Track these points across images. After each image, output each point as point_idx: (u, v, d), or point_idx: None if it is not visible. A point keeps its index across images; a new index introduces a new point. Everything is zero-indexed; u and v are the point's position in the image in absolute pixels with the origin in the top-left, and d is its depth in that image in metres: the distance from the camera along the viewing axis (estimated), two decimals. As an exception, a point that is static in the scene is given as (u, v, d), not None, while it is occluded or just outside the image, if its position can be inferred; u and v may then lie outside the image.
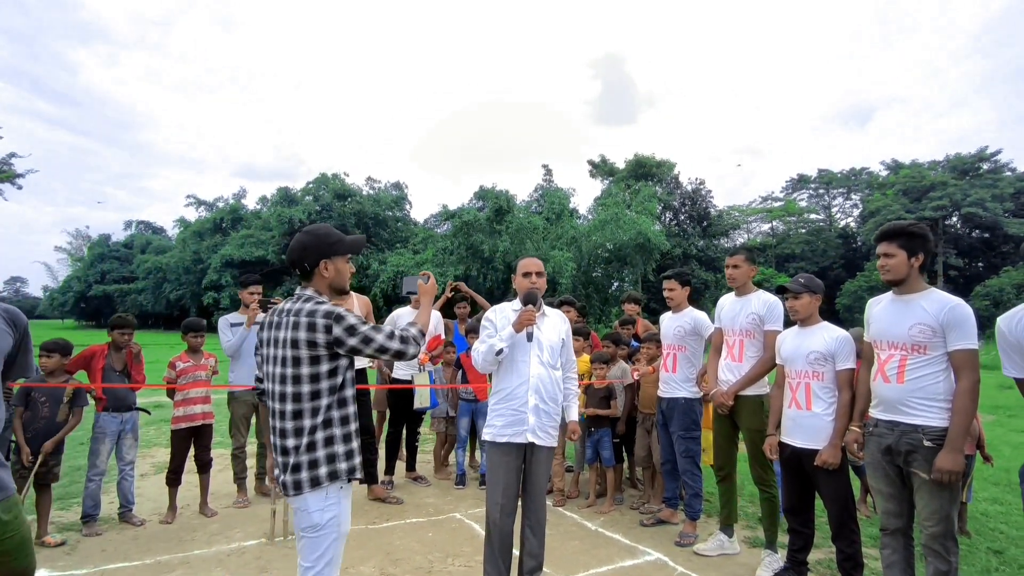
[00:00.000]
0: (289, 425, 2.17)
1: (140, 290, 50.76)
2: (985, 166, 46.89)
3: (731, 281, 3.95)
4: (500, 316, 3.25)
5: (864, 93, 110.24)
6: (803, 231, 50.11)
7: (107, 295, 54.78)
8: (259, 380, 2.34)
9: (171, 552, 3.90)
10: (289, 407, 2.17)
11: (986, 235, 41.15)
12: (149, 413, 5.07)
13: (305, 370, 2.16)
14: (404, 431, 5.59)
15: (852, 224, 52.77)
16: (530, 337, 3.08)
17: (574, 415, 3.36)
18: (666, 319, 4.48)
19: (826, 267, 46.54)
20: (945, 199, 43.42)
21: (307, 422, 2.16)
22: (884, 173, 51.69)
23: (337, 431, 2.21)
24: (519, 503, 3.17)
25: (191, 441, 4.63)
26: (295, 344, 2.15)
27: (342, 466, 2.21)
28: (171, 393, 4.64)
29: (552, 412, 3.19)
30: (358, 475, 2.27)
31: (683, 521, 4.30)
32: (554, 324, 3.30)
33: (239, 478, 4.95)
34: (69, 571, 3.60)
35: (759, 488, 3.79)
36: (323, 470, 2.17)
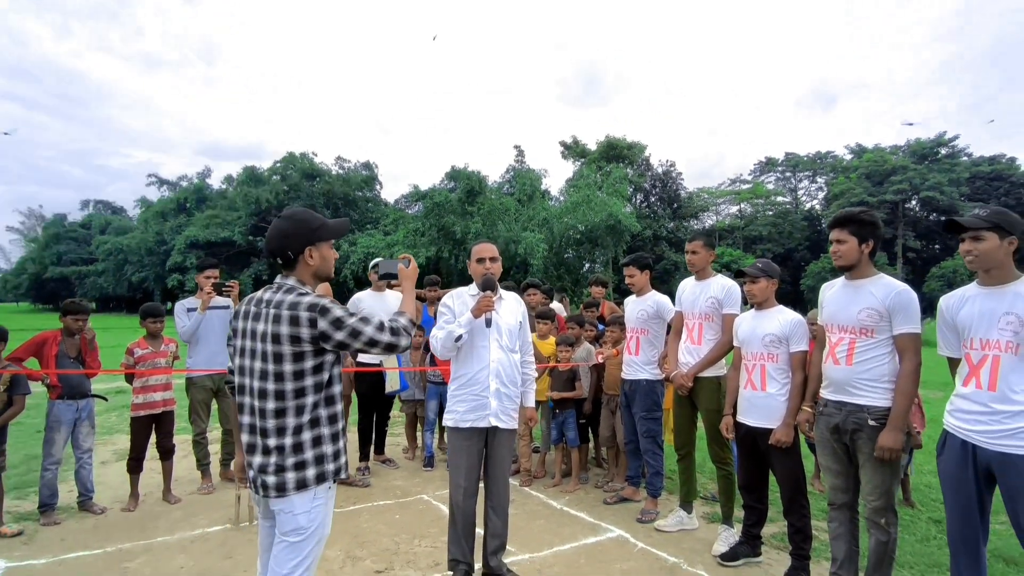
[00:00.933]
0: (271, 424, 2.01)
1: (100, 272, 49.23)
2: (943, 151, 48.30)
3: (691, 266, 4.02)
4: (458, 302, 3.26)
5: (830, 79, 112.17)
6: (770, 213, 51.05)
7: (64, 278, 52.99)
8: (231, 371, 2.21)
9: (133, 540, 3.86)
10: (271, 405, 2.01)
11: (943, 218, 42.38)
12: (106, 400, 4.96)
13: (288, 367, 2.00)
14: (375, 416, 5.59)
15: (817, 207, 53.95)
16: (489, 323, 3.11)
17: (531, 401, 3.41)
18: (630, 303, 4.54)
19: (792, 249, 47.66)
20: (905, 183, 44.67)
21: (291, 421, 2.01)
22: (848, 157, 52.89)
23: (325, 430, 2.07)
24: (481, 484, 3.22)
25: (152, 428, 4.55)
26: (276, 339, 2.00)
27: (330, 467, 2.08)
28: (130, 379, 4.55)
29: (513, 395, 3.25)
30: (344, 475, 2.15)
31: (645, 499, 4.41)
32: (511, 307, 3.33)
33: (202, 464, 4.89)
34: (27, 560, 3.53)
35: (716, 466, 3.90)
36: (311, 471, 2.03)
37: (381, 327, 2.12)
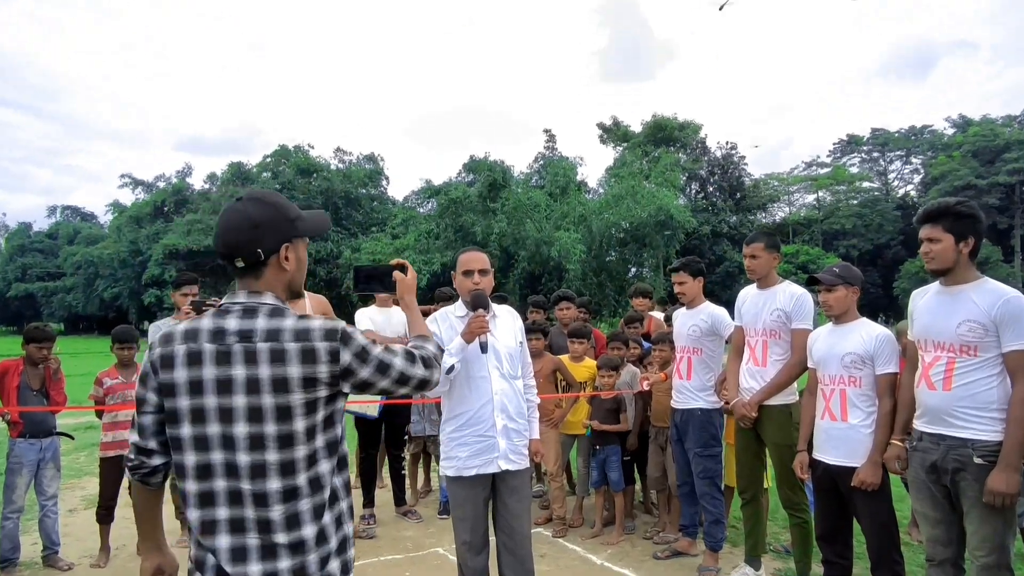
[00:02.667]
0: (277, 513, 1.65)
1: (69, 288, 50.97)
2: (1070, 121, 46.82)
3: (751, 273, 3.99)
4: (444, 325, 3.23)
5: (925, 37, 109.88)
6: (854, 202, 50.23)
7: (30, 295, 54.99)
8: (143, 452, 1.74)
9: (103, 601, 3.96)
10: (275, 485, 1.65)
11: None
12: (72, 438, 5.12)
13: (300, 424, 1.67)
14: (379, 455, 5.65)
15: (912, 193, 52.90)
16: (484, 348, 3.07)
17: (536, 432, 3.39)
18: (679, 317, 4.52)
19: (882, 245, 46.78)
20: (1023, 161, 43.37)
21: (306, 504, 1.68)
22: (950, 132, 51.72)
23: (343, 504, 1.80)
24: (496, 539, 3.21)
25: (123, 470, 4.65)
26: (283, 385, 1.66)
27: (351, 552, 1.83)
28: (100, 414, 4.68)
29: (522, 429, 3.24)
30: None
31: (703, 552, 4.36)
32: (507, 326, 3.32)
33: (182, 512, 4.98)
34: (-17, 626, 3.66)
35: (789, 513, 3.85)
36: (335, 564, 1.73)
37: (411, 358, 1.87)
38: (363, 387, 1.80)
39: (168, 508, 5.17)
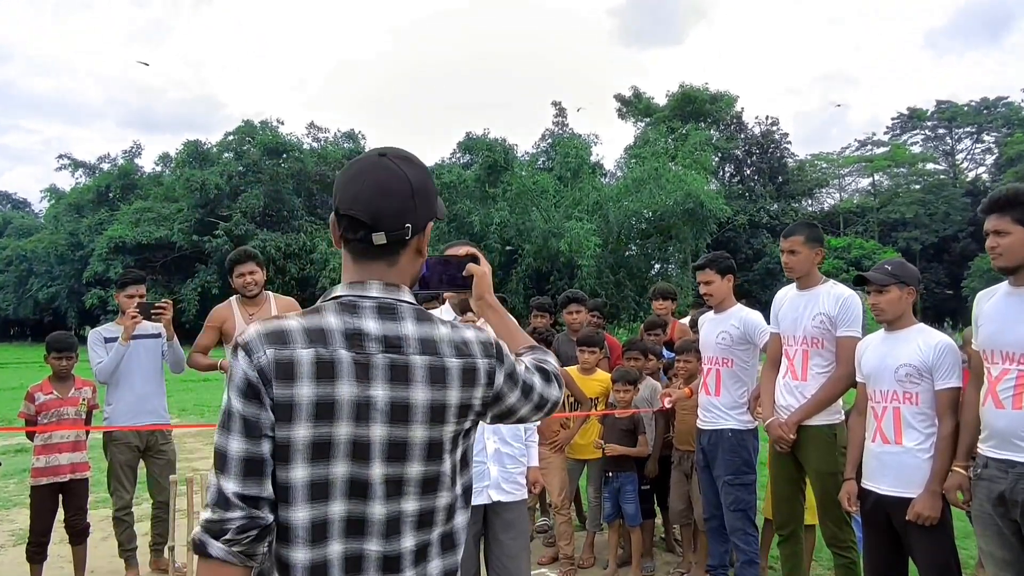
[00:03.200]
0: (408, 545, 1.47)
1: (-2, 288, 51.08)
2: None
3: (788, 271, 4.00)
4: None
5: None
6: (916, 187, 50.17)
7: (-47, 296, 55.04)
8: (255, 503, 1.36)
9: (34, 653, 3.98)
10: (409, 544, 1.47)
11: None
12: (-1, 464, 5.15)
13: (447, 465, 1.53)
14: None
15: (985, 176, 52.80)
16: None
17: (535, 459, 3.42)
18: (706, 323, 4.54)
19: (949, 237, 46.73)
20: (1114, 139, 43.34)
21: (436, 567, 1.53)
22: (1029, 104, 51.52)
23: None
24: None
25: (58, 501, 4.70)
26: (438, 415, 1.49)
27: None
28: (32, 435, 4.71)
29: (517, 454, 3.28)
30: None
31: (734, 597, 4.37)
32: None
33: (126, 550, 5.02)
34: None
35: (832, 550, 3.86)
36: None
37: (546, 375, 1.73)
38: (502, 417, 1.65)
39: (110, 543, 5.22)
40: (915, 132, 55.80)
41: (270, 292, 5.21)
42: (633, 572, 4.93)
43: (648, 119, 46.39)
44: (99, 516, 5.47)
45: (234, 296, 5.09)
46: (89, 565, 4.88)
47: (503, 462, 3.19)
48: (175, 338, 5.15)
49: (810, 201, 51.26)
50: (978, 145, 55.09)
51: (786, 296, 4.07)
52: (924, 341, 3.35)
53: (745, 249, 42.20)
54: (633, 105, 48.16)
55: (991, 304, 3.05)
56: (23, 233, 53.33)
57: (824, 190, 53.19)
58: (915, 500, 3.21)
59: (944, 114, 53.94)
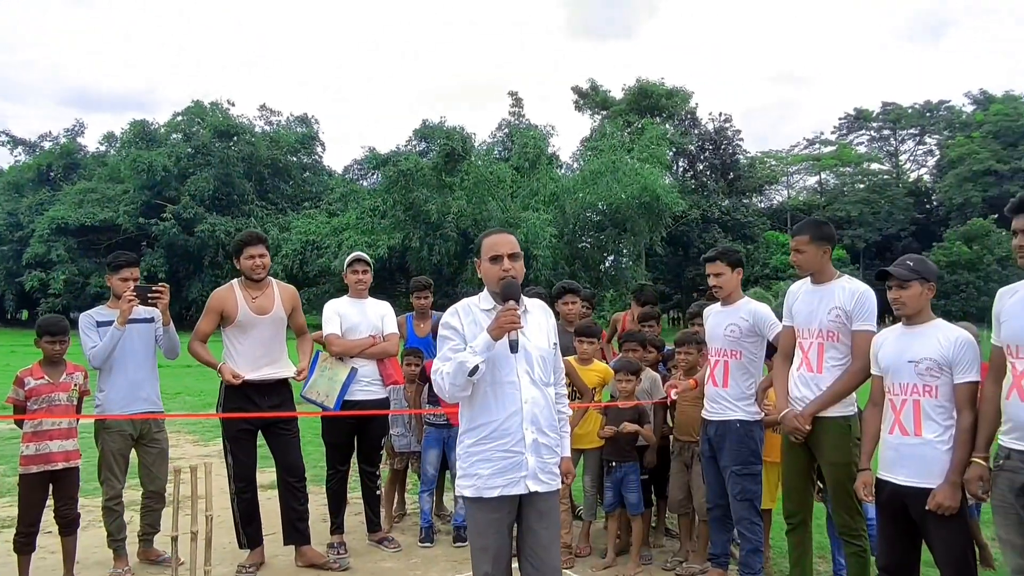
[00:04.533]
0: None
1: (-71, 269, 48.92)
2: (1100, 100, 48.84)
3: (799, 268, 4.05)
4: (467, 320, 3.23)
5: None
6: (861, 187, 51.61)
7: None
8: None
9: (29, 647, 3.84)
10: None
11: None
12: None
13: None
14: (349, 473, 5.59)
15: (926, 177, 54.62)
16: (514, 347, 3.05)
17: (568, 449, 3.42)
18: (713, 314, 4.57)
19: (892, 235, 48.20)
20: (1050, 145, 45.14)
21: None
22: (970, 109, 53.35)
23: None
24: (521, 572, 3.22)
25: (48, 490, 4.54)
26: None
27: None
28: (21, 421, 4.53)
29: (553, 445, 3.26)
30: None
31: (736, 585, 4.44)
32: (539, 323, 3.32)
33: (116, 540, 4.87)
34: None
35: (845, 540, 3.92)
36: None
37: None
38: None
39: (97, 533, 5.07)
40: (861, 132, 57.34)
41: (272, 278, 5.10)
42: (632, 561, 4.96)
43: (605, 112, 46.72)
44: (88, 505, 5.28)
45: (236, 279, 4.97)
46: (77, 556, 4.71)
47: (540, 453, 3.16)
48: (171, 323, 5.00)
49: (760, 198, 52.27)
50: (920, 147, 56.94)
51: (800, 290, 4.12)
52: (944, 336, 3.42)
53: (697, 243, 42.84)
54: (590, 98, 48.45)
55: (1014, 300, 3.13)
56: (-44, 212, 51.12)
57: (774, 187, 54.31)
58: (935, 490, 3.28)
59: (889, 115, 55.52)
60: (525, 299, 3.30)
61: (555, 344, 3.36)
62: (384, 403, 5.42)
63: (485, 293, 3.31)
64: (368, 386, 5.28)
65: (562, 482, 3.37)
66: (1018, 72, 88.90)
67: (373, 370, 5.32)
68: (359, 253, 5.59)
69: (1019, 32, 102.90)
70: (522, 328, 3.10)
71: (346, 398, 5.16)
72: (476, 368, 3.03)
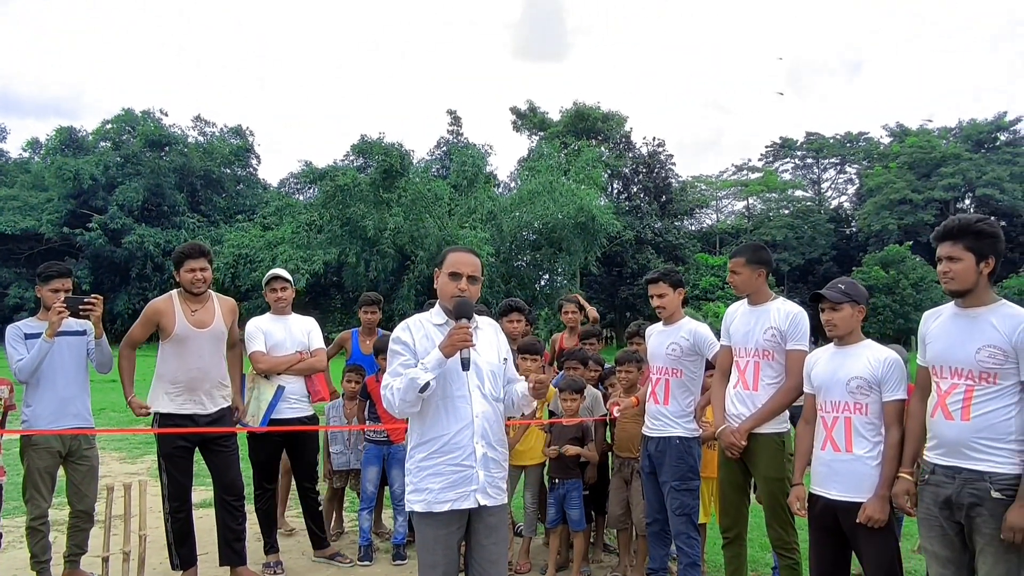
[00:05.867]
0: None
1: None
2: (1003, 137, 51.60)
3: (736, 289, 4.19)
4: (419, 335, 3.24)
5: (854, 36, 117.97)
6: (786, 212, 53.25)
7: None
8: None
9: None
10: None
11: (1003, 223, 45.53)
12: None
13: None
14: (277, 491, 5.48)
15: (847, 204, 56.71)
16: (466, 365, 3.08)
17: (525, 387, 3.35)
18: (655, 333, 4.65)
19: (814, 259, 49.82)
20: (958, 176, 47.54)
21: None
22: (887, 140, 55.66)
23: None
24: None
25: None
26: None
27: None
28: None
29: (501, 459, 3.29)
30: None
31: (674, 599, 4.50)
32: (490, 340, 3.36)
33: (39, 562, 4.65)
34: None
35: (778, 553, 4.03)
36: None
37: None
38: None
39: (18, 555, 4.84)
40: (786, 160, 59.25)
41: (213, 291, 4.98)
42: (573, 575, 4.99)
43: (542, 133, 47.13)
44: (9, 526, 5.04)
45: (175, 290, 4.84)
46: (-2, 579, 4.49)
47: (489, 467, 3.17)
48: (103, 336, 4.82)
49: (691, 220, 53.39)
50: (841, 175, 59.15)
51: (737, 311, 4.24)
52: (873, 356, 3.56)
53: (631, 264, 43.48)
54: (528, 119, 48.87)
55: (938, 324, 3.27)
56: None
57: (704, 210, 55.59)
58: (865, 504, 3.40)
59: (812, 145, 57.57)
60: (477, 317, 3.32)
61: (506, 359, 3.38)
62: (312, 420, 5.33)
63: (437, 308, 3.31)
64: (296, 403, 5.20)
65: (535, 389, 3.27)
66: (932, 107, 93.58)
67: (300, 387, 5.24)
68: (277, 270, 5.50)
69: (931, 70, 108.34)
70: (474, 346, 3.12)
71: (273, 416, 5.07)
72: (427, 385, 3.03)
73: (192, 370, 4.72)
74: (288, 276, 5.47)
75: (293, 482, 5.62)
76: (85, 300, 4.62)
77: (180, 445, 4.74)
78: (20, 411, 4.67)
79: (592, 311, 6.38)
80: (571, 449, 4.94)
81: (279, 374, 5.13)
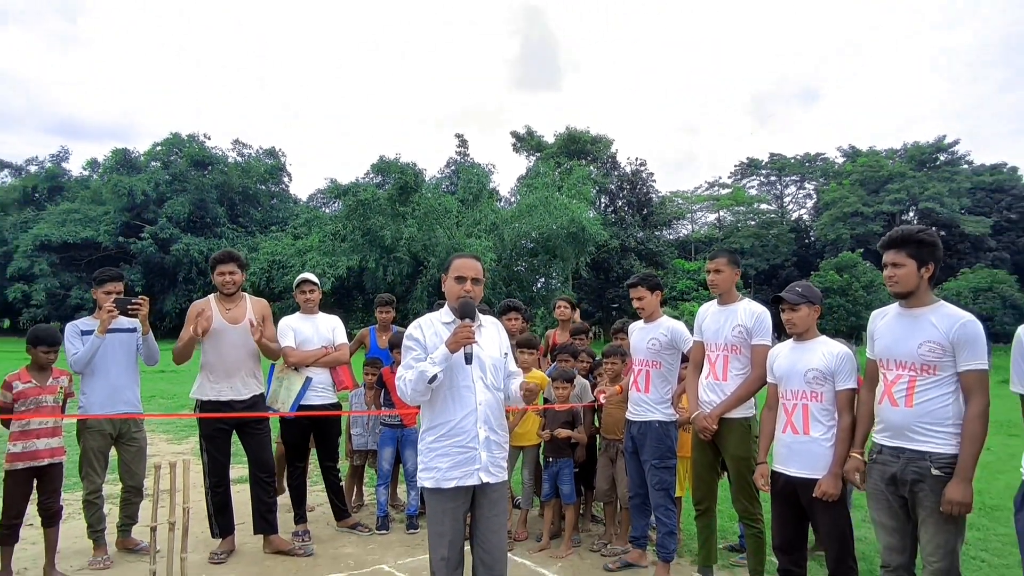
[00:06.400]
0: None
1: (-85, 279, 45.92)
2: (942, 157, 51.63)
3: (713, 288, 4.17)
4: (429, 332, 3.23)
5: (809, 68, 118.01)
6: (752, 223, 53.15)
7: None
8: None
9: (12, 632, 3.62)
10: None
11: (942, 233, 45.50)
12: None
13: None
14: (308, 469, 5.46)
15: (805, 216, 56.59)
16: (468, 359, 3.09)
17: (522, 377, 3.47)
18: (637, 330, 4.64)
19: (777, 265, 49.75)
20: (903, 192, 47.54)
21: None
22: (840, 160, 55.65)
23: None
24: (472, 555, 3.21)
25: (32, 485, 4.30)
26: None
27: None
28: (7, 422, 4.29)
29: (502, 441, 3.28)
30: None
31: (653, 563, 4.48)
32: (492, 337, 3.36)
33: (95, 531, 4.64)
34: None
35: (745, 523, 4.03)
36: None
37: None
38: None
39: (80, 525, 4.82)
40: (752, 177, 59.18)
41: (246, 292, 4.97)
42: (565, 544, 4.97)
43: (539, 154, 47.09)
44: (69, 499, 5.03)
45: (213, 293, 4.84)
46: (58, 545, 4.47)
47: (491, 449, 3.16)
48: (150, 332, 4.81)
49: (669, 230, 53.31)
50: (801, 191, 59.07)
51: (708, 311, 4.23)
52: (827, 350, 3.56)
53: (617, 269, 43.44)
54: (526, 141, 48.85)
55: (885, 322, 3.27)
56: (-58, 227, 48.27)
57: (680, 222, 55.50)
58: (820, 480, 3.40)
59: (775, 164, 57.54)
60: (480, 316, 3.32)
61: (506, 353, 3.38)
62: (336, 407, 5.32)
63: (446, 308, 3.31)
64: (322, 392, 5.18)
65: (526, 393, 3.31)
66: (881, 131, 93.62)
67: (326, 378, 5.22)
68: (306, 275, 5.46)
69: (880, 98, 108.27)
70: (476, 343, 3.11)
71: (301, 403, 5.06)
72: (435, 377, 3.04)
73: (227, 360, 4.73)
74: (315, 279, 5.45)
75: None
76: (133, 301, 4.61)
77: (219, 428, 4.74)
78: (77, 398, 4.66)
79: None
80: (562, 432, 4.94)
81: (307, 367, 5.12)
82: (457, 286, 3.22)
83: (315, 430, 5.25)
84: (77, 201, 43.07)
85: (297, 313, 5.38)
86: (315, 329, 5.26)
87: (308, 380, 5.08)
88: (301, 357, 5.10)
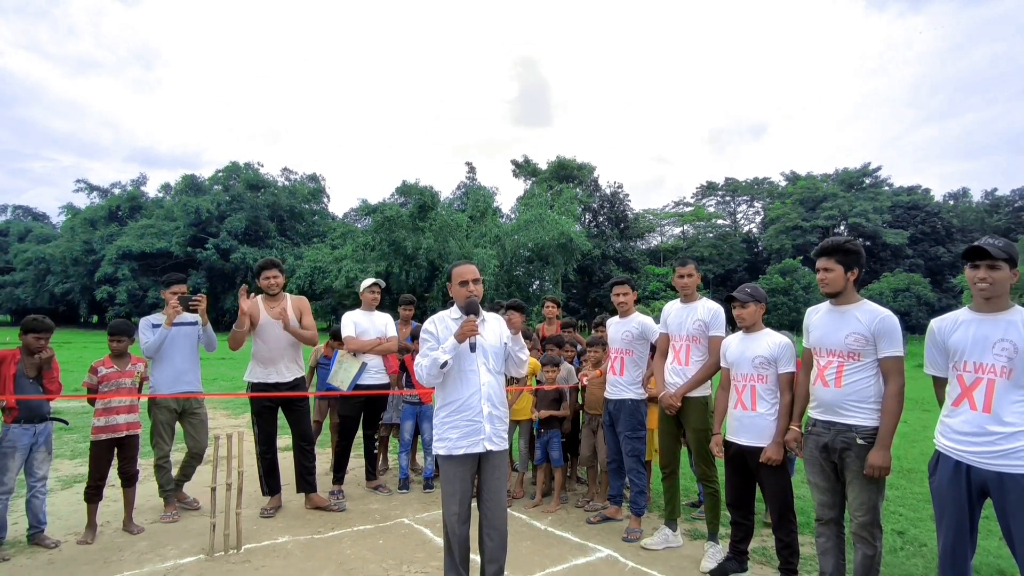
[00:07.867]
0: None
1: (18, 283, 45.90)
2: (868, 180, 51.56)
3: (683, 289, 4.11)
4: (441, 327, 3.22)
5: (757, 108, 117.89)
6: (711, 235, 53.04)
7: (-22, 287, 49.08)
8: None
9: (96, 575, 3.60)
10: None
11: (868, 243, 45.41)
12: (67, 423, 4.65)
13: None
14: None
15: (755, 230, 56.51)
16: (473, 348, 3.09)
17: (527, 354, 3.44)
18: (613, 324, 4.62)
19: (731, 269, 49.63)
20: (835, 209, 47.45)
21: None
22: (783, 183, 55.60)
23: None
24: (479, 510, 3.19)
25: (113, 453, 4.29)
26: None
27: None
28: (93, 401, 4.28)
29: (503, 416, 3.26)
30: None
31: (627, 517, 4.46)
32: (493, 329, 3.34)
33: (165, 491, 4.63)
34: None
35: (703, 484, 4.01)
36: None
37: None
38: None
39: (152, 486, 4.80)
40: (711, 197, 59.03)
41: (287, 293, 4.96)
42: (554, 501, 4.95)
43: (534, 178, 47.01)
44: (143, 464, 5.02)
45: (260, 295, 4.84)
46: (135, 503, 4.46)
47: (493, 422, 3.15)
48: (208, 324, 4.80)
49: (642, 241, 53.15)
50: (751, 209, 58.91)
51: (672, 308, 4.20)
52: (771, 340, 3.55)
53: (598, 273, 43.37)
54: (523, 168, 48.73)
55: (818, 317, 3.25)
56: (42, 240, 48.29)
57: (651, 234, 55.34)
58: (765, 448, 3.39)
59: (730, 187, 57.44)
60: (484, 312, 3.30)
61: (506, 343, 3.35)
62: (387, 387, 5.31)
63: (455, 307, 3.29)
64: (376, 374, 5.17)
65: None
66: (816, 158, 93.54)
67: (379, 363, 5.21)
68: (375, 279, 5.46)
69: (816, 131, 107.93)
70: (480, 334, 3.10)
71: (358, 383, 5.05)
72: (446, 363, 3.03)
73: (272, 349, 4.71)
74: (383, 283, 5.45)
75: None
76: (193, 298, 4.61)
77: (266, 405, 4.72)
78: (149, 381, 4.65)
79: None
80: (544, 412, 4.93)
81: (363, 353, 5.11)
82: (463, 289, 3.21)
83: (366, 406, 5.23)
84: (153, 218, 43.08)
85: (359, 309, 5.34)
86: (372, 323, 5.22)
87: (364, 365, 5.08)
88: (358, 345, 5.08)
